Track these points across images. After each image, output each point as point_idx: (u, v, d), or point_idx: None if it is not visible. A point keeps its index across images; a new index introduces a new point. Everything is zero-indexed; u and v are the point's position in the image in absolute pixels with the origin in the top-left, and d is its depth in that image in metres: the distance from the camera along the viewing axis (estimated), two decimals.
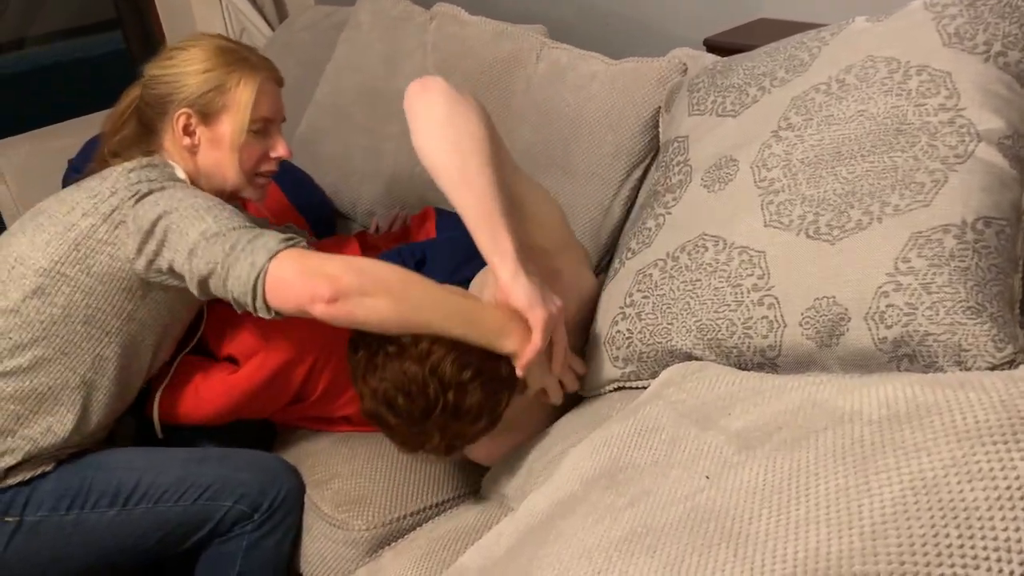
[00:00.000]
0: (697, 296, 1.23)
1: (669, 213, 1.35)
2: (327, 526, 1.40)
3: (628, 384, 1.36)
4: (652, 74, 1.57)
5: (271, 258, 1.20)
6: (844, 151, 1.17)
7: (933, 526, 0.62)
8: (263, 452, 1.50)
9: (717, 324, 1.20)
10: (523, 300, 1.14)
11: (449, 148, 1.13)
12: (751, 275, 1.18)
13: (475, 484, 1.43)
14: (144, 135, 1.44)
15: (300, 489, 1.45)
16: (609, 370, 1.36)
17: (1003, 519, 0.62)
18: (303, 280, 1.17)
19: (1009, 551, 0.61)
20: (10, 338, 1.29)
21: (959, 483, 0.64)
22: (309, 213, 2.02)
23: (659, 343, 1.27)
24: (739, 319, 1.18)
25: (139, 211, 1.30)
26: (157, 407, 1.45)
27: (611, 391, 1.39)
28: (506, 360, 1.20)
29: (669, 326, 1.26)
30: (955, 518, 0.62)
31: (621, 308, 1.34)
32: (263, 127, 1.43)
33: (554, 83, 1.68)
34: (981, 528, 0.62)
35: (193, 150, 1.41)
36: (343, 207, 2.15)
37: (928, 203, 1.05)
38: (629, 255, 1.39)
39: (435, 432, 1.18)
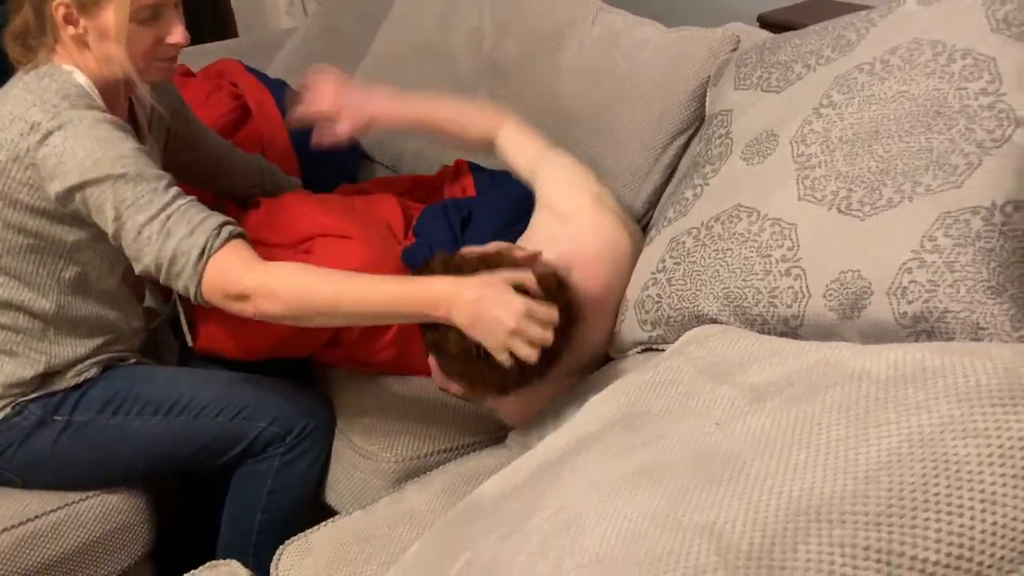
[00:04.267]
0: (727, 264, 1.27)
1: (707, 184, 1.39)
2: (356, 456, 1.47)
3: (654, 346, 1.40)
4: (704, 45, 1.59)
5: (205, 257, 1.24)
6: (882, 130, 1.19)
7: (924, 476, 0.66)
8: (298, 383, 1.56)
9: (744, 292, 1.23)
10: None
11: None
12: (781, 246, 1.21)
13: (502, 434, 1.48)
14: (39, 24, 1.34)
15: (331, 421, 1.52)
16: (637, 332, 1.40)
17: (992, 475, 0.65)
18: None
19: (995, 503, 0.64)
20: None
21: (954, 439, 0.68)
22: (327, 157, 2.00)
23: (687, 308, 1.31)
24: (765, 288, 1.21)
25: (47, 164, 1.27)
26: (188, 328, 1.52)
27: (637, 352, 1.43)
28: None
29: (697, 292, 1.29)
30: (946, 471, 0.66)
31: (653, 274, 1.38)
32: (152, 14, 1.31)
33: (607, 47, 1.70)
34: (970, 481, 0.66)
35: (82, 40, 1.32)
36: (385, 159, 2.19)
37: (959, 185, 1.07)
38: (665, 223, 1.42)
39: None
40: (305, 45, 2.53)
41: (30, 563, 1.38)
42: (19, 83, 1.32)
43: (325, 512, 1.51)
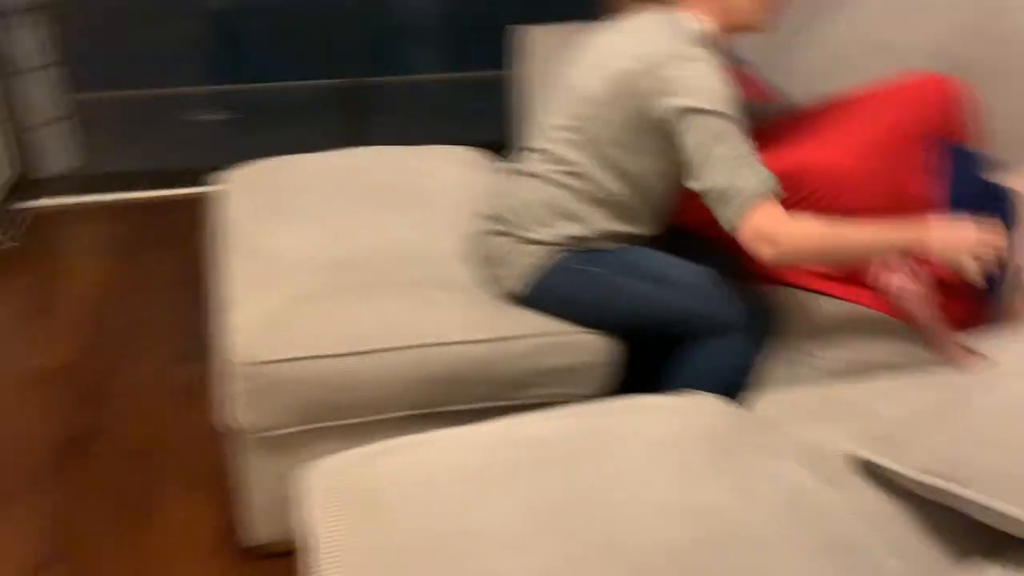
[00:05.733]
0: None
1: None
2: (794, 353, 1.77)
3: None
4: None
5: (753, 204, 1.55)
6: None
7: None
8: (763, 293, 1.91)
9: None
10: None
11: None
12: None
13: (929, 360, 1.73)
14: None
15: (774, 331, 1.83)
16: None
17: None
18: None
19: None
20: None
21: None
22: None
23: None
24: None
25: (674, 82, 1.58)
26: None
27: None
28: None
29: None
30: None
31: None
32: None
33: None
34: None
35: None
36: None
37: None
38: None
39: None
40: None
41: (533, 365, 1.82)
42: (650, 20, 1.68)
43: None
